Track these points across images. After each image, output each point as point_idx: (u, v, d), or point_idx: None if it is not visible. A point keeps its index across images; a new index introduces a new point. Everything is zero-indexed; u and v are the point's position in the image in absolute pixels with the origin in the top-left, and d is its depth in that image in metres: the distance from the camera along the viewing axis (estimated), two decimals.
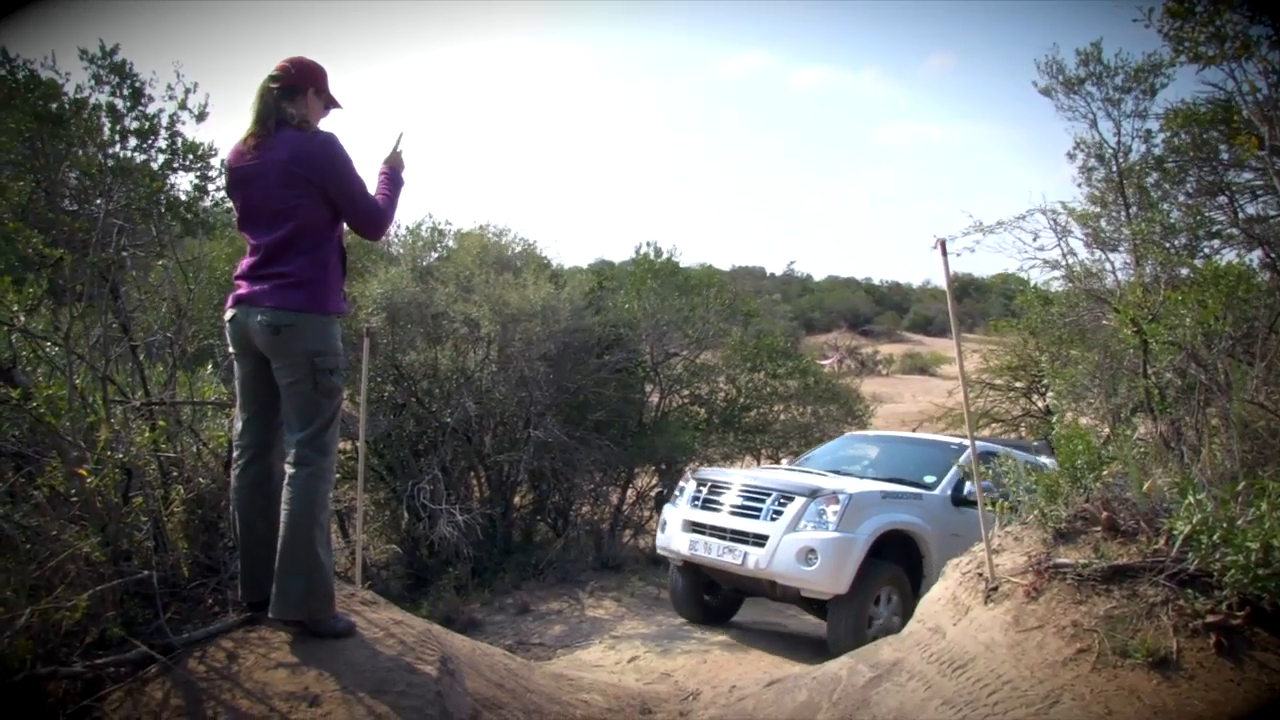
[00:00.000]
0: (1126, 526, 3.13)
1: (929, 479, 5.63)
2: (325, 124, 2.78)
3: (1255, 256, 5.62)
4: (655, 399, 9.44)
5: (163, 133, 3.63)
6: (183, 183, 3.96)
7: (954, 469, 5.60)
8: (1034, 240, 6.10)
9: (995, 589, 3.20)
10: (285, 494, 2.59)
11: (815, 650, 5.08)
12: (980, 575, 3.33)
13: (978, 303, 33.92)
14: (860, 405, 11.15)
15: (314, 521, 2.59)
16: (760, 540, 5.10)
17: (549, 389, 7.91)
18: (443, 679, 2.63)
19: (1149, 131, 6.52)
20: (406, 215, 10.08)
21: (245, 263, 2.68)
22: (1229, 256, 5.85)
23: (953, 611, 3.32)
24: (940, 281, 3.92)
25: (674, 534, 5.63)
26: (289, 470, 2.60)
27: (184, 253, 3.94)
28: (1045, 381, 9.30)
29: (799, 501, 5.09)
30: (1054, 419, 4.06)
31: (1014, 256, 7.07)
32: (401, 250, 9.02)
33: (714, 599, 6.08)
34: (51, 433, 2.68)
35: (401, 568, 7.60)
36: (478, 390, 7.82)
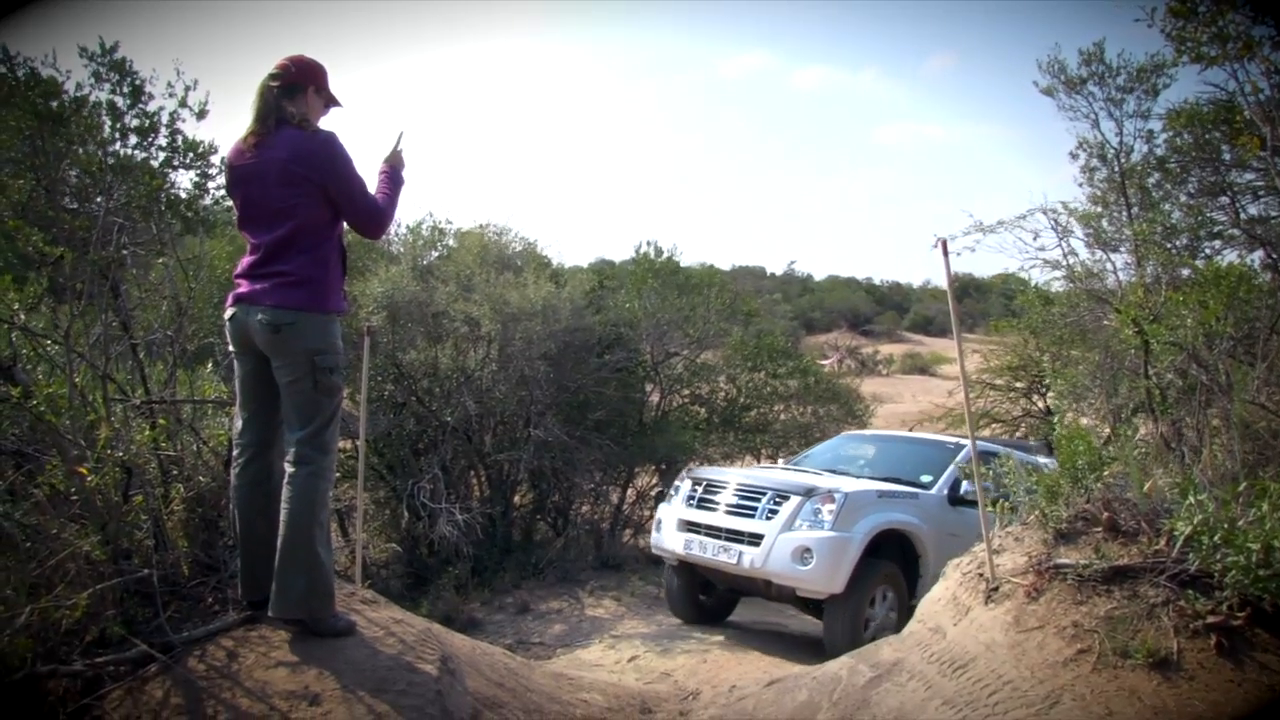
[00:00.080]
0: (1127, 527, 3.12)
1: (925, 478, 5.63)
2: (325, 123, 2.78)
3: (1257, 257, 5.62)
4: (655, 398, 9.44)
5: (163, 130, 3.62)
6: (183, 181, 3.96)
7: (951, 468, 5.60)
8: (1035, 240, 6.10)
9: (996, 589, 3.19)
10: (285, 492, 2.59)
11: (815, 650, 5.08)
12: (981, 575, 3.33)
13: (978, 303, 33.92)
14: (860, 405, 11.14)
15: (314, 520, 2.59)
16: (755, 539, 5.09)
17: (549, 388, 7.91)
18: (443, 678, 2.62)
19: (1151, 132, 6.52)
20: (407, 214, 10.08)
21: (245, 261, 2.68)
22: (1230, 257, 5.86)
23: (953, 611, 3.32)
24: (941, 281, 3.92)
25: (669, 533, 5.61)
26: (289, 469, 2.60)
27: (184, 251, 3.93)
28: (1046, 382, 9.30)
29: (794, 500, 5.08)
30: (1055, 419, 4.06)
31: (1015, 256, 7.10)
32: (402, 249, 9.01)
33: (709, 599, 6.07)
34: (51, 431, 2.68)
35: (401, 567, 7.59)
36: (478, 389, 7.82)
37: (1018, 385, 11.22)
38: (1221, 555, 2.72)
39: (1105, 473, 3.34)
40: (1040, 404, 10.92)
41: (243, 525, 2.69)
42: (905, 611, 5.10)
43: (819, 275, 48.11)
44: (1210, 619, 2.66)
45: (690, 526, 5.49)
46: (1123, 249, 6.16)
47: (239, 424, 2.75)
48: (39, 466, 2.72)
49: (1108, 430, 4.42)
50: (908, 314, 40.98)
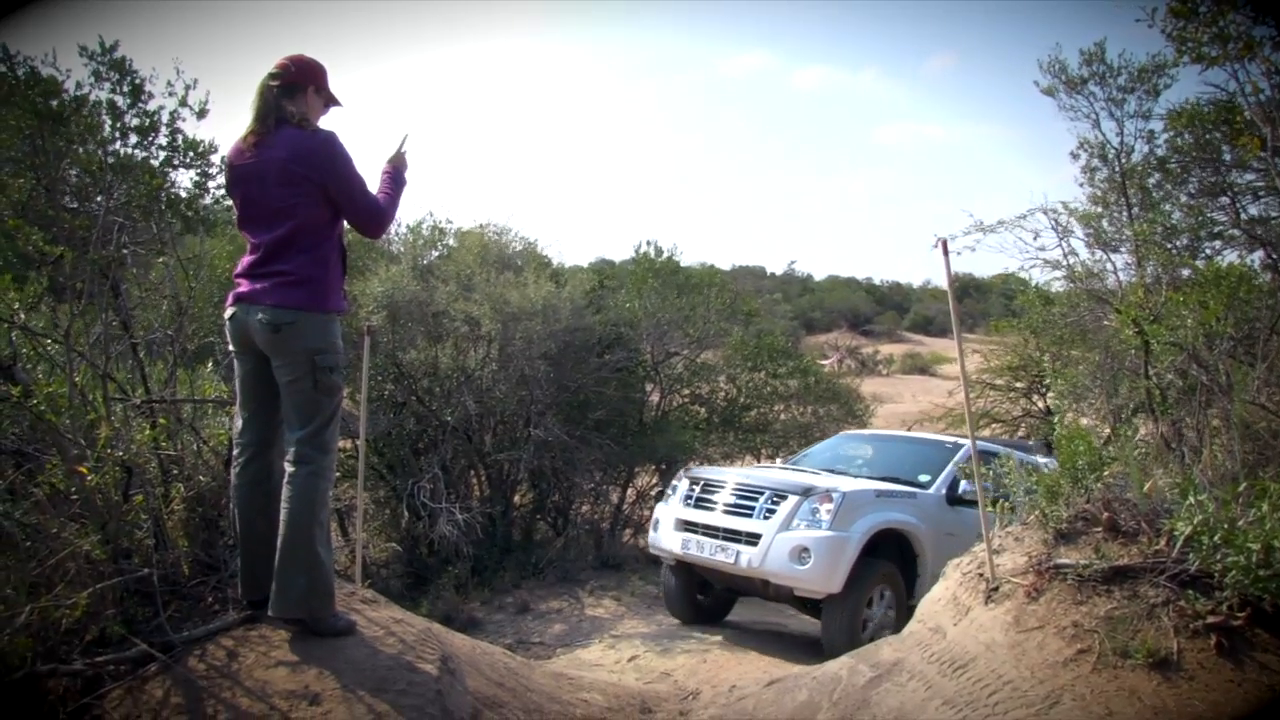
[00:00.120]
0: (1127, 527, 3.12)
1: (923, 478, 5.62)
2: (325, 122, 2.78)
3: (1257, 258, 5.62)
4: (656, 398, 9.44)
5: (163, 130, 3.62)
6: (183, 180, 3.96)
7: (949, 468, 5.59)
8: (1035, 240, 6.11)
9: (996, 589, 3.19)
10: (285, 492, 2.59)
11: (815, 650, 5.08)
12: (981, 575, 3.33)
13: (978, 303, 33.91)
14: (860, 405, 11.14)
15: (314, 520, 2.59)
16: (753, 539, 5.07)
17: (549, 388, 7.91)
18: (443, 677, 2.62)
19: (1152, 132, 6.51)
20: (407, 214, 10.08)
21: (245, 261, 2.68)
22: (1231, 257, 5.85)
23: (953, 611, 3.32)
24: (941, 281, 3.92)
25: (666, 533, 5.60)
26: (289, 468, 2.60)
27: (184, 250, 3.93)
28: (1046, 382, 9.30)
29: (792, 500, 5.07)
30: (1055, 419, 4.06)
31: (1015, 256, 7.10)
32: (402, 249, 9.01)
33: (707, 599, 6.05)
34: (52, 430, 2.68)
35: (401, 566, 7.60)
36: (478, 389, 7.82)
37: (1018, 385, 11.22)
38: (1221, 555, 2.72)
39: (1105, 473, 3.34)
40: (1040, 404, 10.92)
41: (243, 525, 2.69)
42: (903, 611, 5.10)
43: (819, 275, 48.11)
44: (1210, 619, 2.66)
45: (688, 526, 5.48)
46: (1123, 249, 6.16)
47: (239, 423, 2.75)
48: (39, 466, 2.72)
49: (1108, 430, 4.42)
50: (908, 314, 40.96)
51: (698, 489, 5.60)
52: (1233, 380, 3.69)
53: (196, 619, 2.70)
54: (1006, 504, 3.66)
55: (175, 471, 3.07)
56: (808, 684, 3.46)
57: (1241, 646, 2.61)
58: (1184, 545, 2.86)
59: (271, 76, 2.65)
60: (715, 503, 5.41)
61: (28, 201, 3.45)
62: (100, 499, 2.67)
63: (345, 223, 2.77)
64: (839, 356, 28.58)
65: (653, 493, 9.12)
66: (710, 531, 5.32)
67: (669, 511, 5.68)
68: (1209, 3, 4.15)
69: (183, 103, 3.48)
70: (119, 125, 3.48)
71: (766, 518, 5.09)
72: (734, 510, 5.28)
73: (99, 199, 3.34)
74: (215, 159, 3.89)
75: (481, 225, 9.36)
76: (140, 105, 3.49)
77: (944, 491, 5.47)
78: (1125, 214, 6.40)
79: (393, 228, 8.54)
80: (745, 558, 5.06)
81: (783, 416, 10.22)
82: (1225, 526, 2.76)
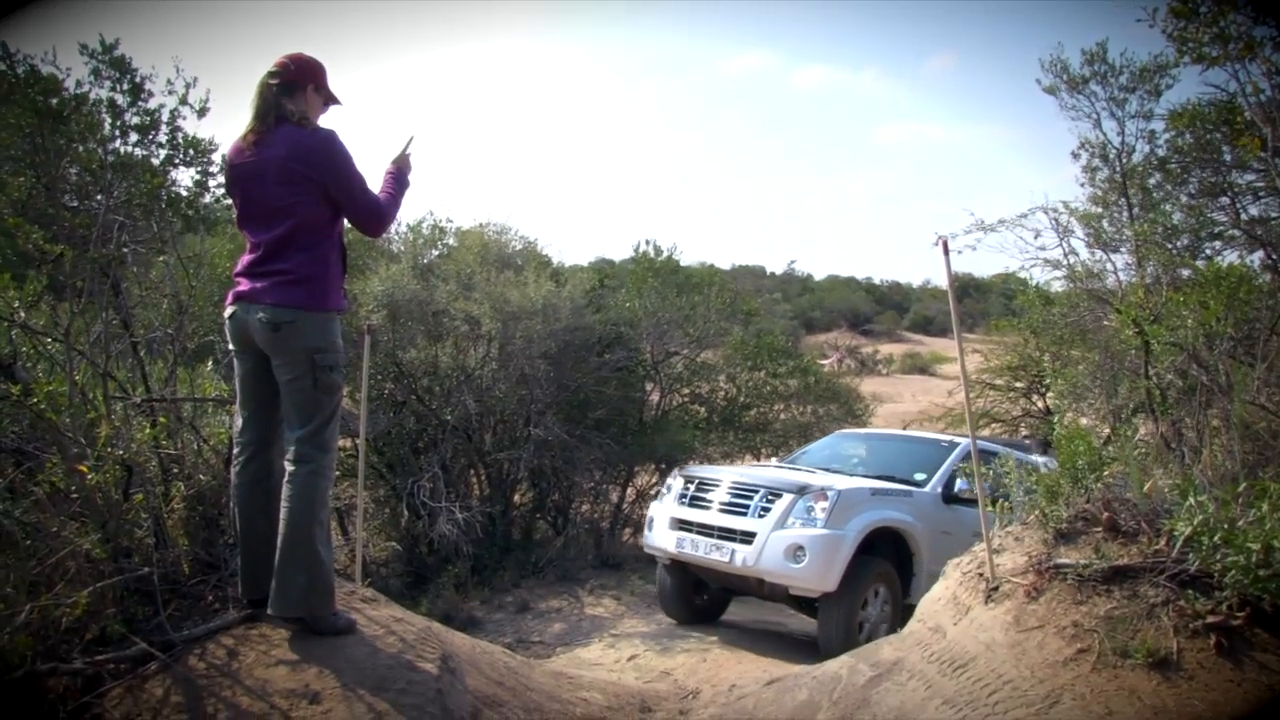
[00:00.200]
0: (1127, 527, 3.13)
1: (919, 476, 5.62)
2: (325, 121, 2.78)
3: (1257, 258, 5.63)
4: (655, 397, 9.44)
5: (163, 128, 3.61)
6: (184, 178, 3.95)
7: (945, 467, 5.59)
8: (1036, 239, 6.11)
9: (996, 589, 3.20)
10: (285, 491, 2.59)
11: (815, 650, 5.07)
12: (981, 575, 3.33)
13: (978, 302, 33.91)
14: (860, 405, 11.14)
15: (314, 518, 2.59)
16: (748, 537, 5.06)
17: (549, 387, 7.91)
18: (443, 676, 2.63)
19: (1153, 132, 6.51)
20: (407, 213, 10.10)
21: (245, 260, 2.68)
22: (1231, 258, 5.86)
23: (953, 611, 3.32)
24: (941, 281, 3.92)
25: (660, 531, 5.57)
26: (289, 467, 2.60)
27: (185, 249, 3.92)
28: (1046, 382, 9.31)
29: (787, 498, 5.05)
30: (1055, 419, 4.06)
31: (1015, 256, 7.09)
32: (402, 248, 9.02)
33: (701, 599, 6.02)
34: (52, 429, 2.68)
35: (401, 565, 7.60)
36: (478, 388, 7.82)
37: (1018, 385, 11.23)
38: (1221, 555, 2.72)
39: (1105, 473, 3.34)
40: (1040, 404, 10.93)
41: (243, 523, 2.69)
42: (899, 609, 5.10)
43: (819, 275, 48.06)
44: (1210, 619, 2.66)
45: (682, 525, 5.46)
46: (1123, 249, 6.16)
47: (239, 422, 2.75)
48: (39, 464, 2.72)
49: (1108, 430, 4.43)
50: (908, 314, 40.95)
51: (692, 487, 5.58)
52: (1233, 380, 3.69)
53: (196, 618, 2.70)
54: (1005, 503, 3.66)
55: (175, 470, 3.07)
56: (808, 683, 3.46)
57: (1241, 646, 2.61)
58: (1184, 545, 2.86)
59: (271, 75, 2.65)
60: (710, 501, 5.40)
61: (28, 200, 3.44)
62: (100, 497, 2.67)
63: (346, 221, 2.77)
64: (839, 356, 28.59)
65: (652, 492, 9.10)
66: (705, 530, 5.31)
67: (663, 510, 5.66)
68: (1209, 3, 4.15)
69: (183, 101, 3.47)
70: (119, 123, 3.47)
71: (761, 516, 5.08)
72: (729, 508, 5.27)
73: (99, 197, 3.33)
74: (216, 157, 3.89)
75: (482, 224, 9.39)
76: (140, 103, 3.48)
77: (940, 490, 5.47)
78: (1126, 214, 6.40)
79: (393, 227, 8.53)
80: (740, 556, 5.04)
81: (782, 416, 10.22)
82: (1225, 526, 2.76)
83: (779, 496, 5.09)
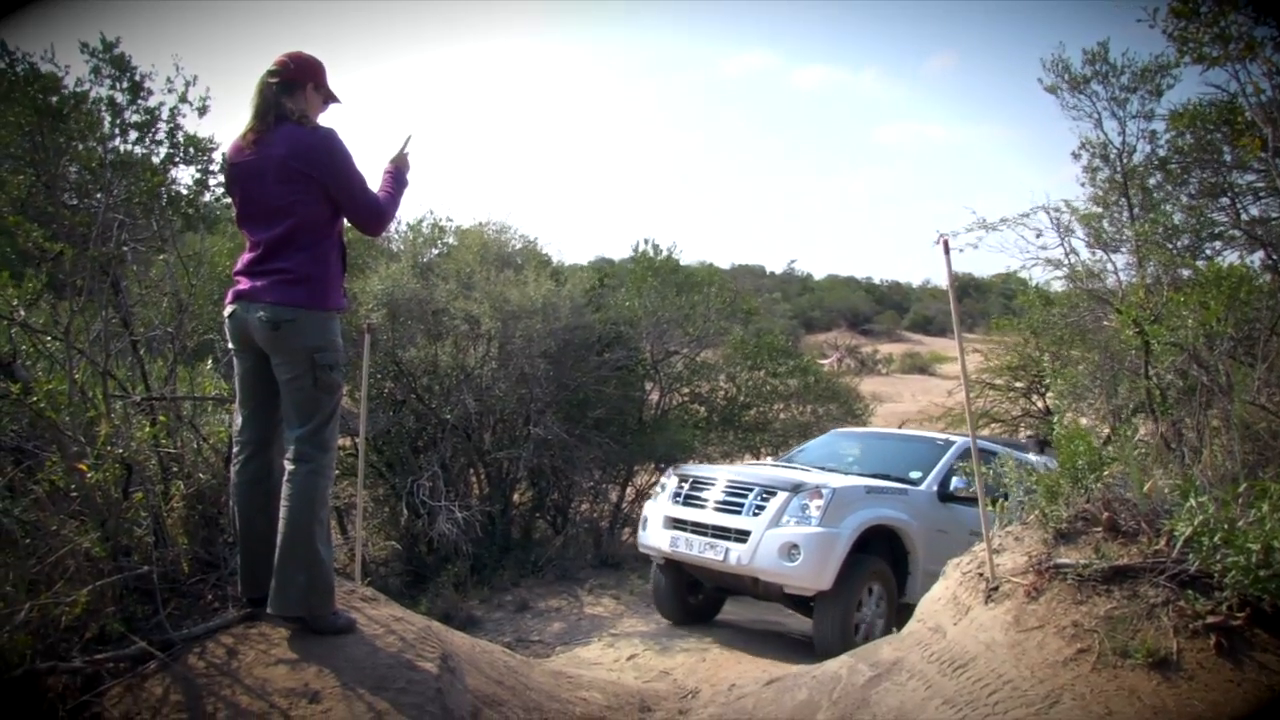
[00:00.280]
0: (1127, 527, 3.13)
1: (915, 475, 5.61)
2: (325, 119, 2.78)
3: (1257, 258, 5.62)
4: (655, 397, 9.44)
5: (163, 126, 3.61)
6: (184, 177, 3.94)
7: (940, 465, 5.58)
8: (1037, 238, 6.10)
9: (996, 589, 3.19)
10: (285, 490, 2.59)
11: (814, 650, 5.08)
12: (981, 575, 3.33)
13: (978, 302, 33.92)
14: (860, 404, 11.15)
15: (314, 518, 2.59)
16: (742, 536, 5.03)
17: (549, 386, 7.90)
18: (443, 676, 2.62)
19: (1154, 132, 6.50)
20: (407, 212, 10.09)
21: (245, 258, 2.68)
22: (1231, 258, 5.85)
23: (953, 611, 3.32)
24: (941, 280, 3.92)
25: (654, 530, 5.55)
26: (289, 466, 2.60)
27: (185, 247, 3.92)
28: (1046, 382, 9.31)
29: (781, 496, 5.03)
30: (1054, 419, 4.06)
31: (1016, 256, 7.09)
32: (402, 247, 9.01)
33: (696, 599, 5.99)
34: (51, 427, 2.68)
35: (401, 564, 7.60)
36: (478, 387, 7.82)
37: (1017, 385, 11.23)
38: (1221, 555, 2.72)
39: (1105, 473, 3.34)
40: (1040, 404, 10.93)
41: (242, 522, 2.69)
42: (894, 608, 5.10)
43: (819, 274, 48.02)
44: (1210, 619, 2.66)
45: (676, 523, 5.43)
46: (1124, 249, 6.16)
47: (239, 421, 2.74)
48: (39, 463, 2.71)
49: (1108, 430, 4.42)
50: (907, 313, 40.95)
51: (686, 486, 5.56)
52: (1233, 380, 3.69)
53: (196, 617, 2.70)
54: (1004, 502, 3.66)
55: (175, 469, 3.07)
56: (807, 683, 3.46)
57: (1241, 646, 2.62)
58: (1184, 545, 2.86)
59: (271, 74, 2.65)
60: (704, 500, 5.37)
61: (27, 198, 3.43)
62: (100, 496, 2.67)
63: (345, 220, 2.76)
64: (838, 356, 28.59)
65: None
66: (699, 529, 5.28)
67: (657, 509, 5.63)
68: (1210, 3, 4.15)
69: (183, 99, 3.47)
70: (119, 122, 3.46)
71: (756, 514, 5.06)
72: (723, 507, 5.24)
73: (99, 196, 3.33)
74: (216, 156, 3.88)
75: (481, 223, 9.38)
76: (140, 102, 3.48)
77: (935, 488, 5.46)
78: (1126, 214, 6.40)
79: (393, 226, 8.53)
80: (734, 555, 5.02)
81: (782, 415, 10.22)
82: (1225, 527, 2.76)
83: (773, 495, 5.08)
